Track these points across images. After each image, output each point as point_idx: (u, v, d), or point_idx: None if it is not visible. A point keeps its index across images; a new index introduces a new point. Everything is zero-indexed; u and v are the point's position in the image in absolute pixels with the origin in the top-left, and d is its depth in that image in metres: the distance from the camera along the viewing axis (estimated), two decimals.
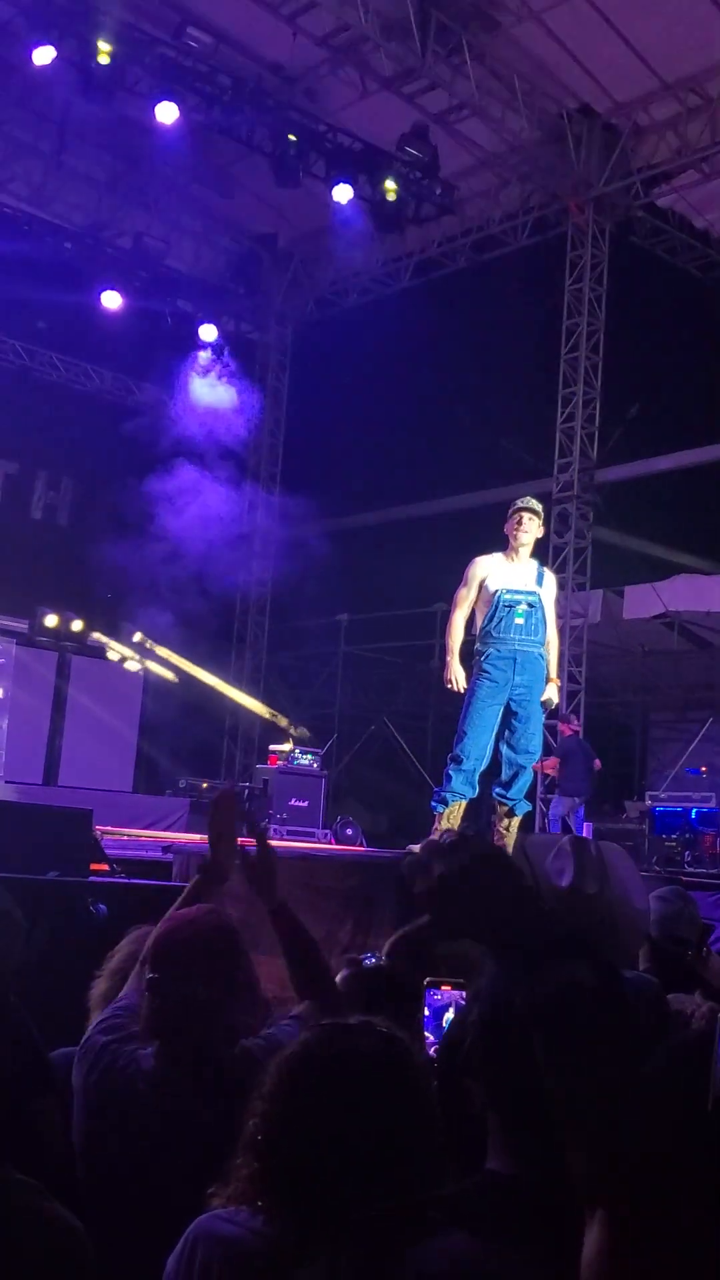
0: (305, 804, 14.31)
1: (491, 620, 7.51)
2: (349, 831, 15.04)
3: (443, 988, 2.60)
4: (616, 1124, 1.32)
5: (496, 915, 1.44)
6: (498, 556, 7.67)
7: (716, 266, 18.41)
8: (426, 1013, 2.60)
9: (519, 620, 7.51)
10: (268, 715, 16.95)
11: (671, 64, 14.56)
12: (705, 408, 18.01)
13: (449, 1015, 2.52)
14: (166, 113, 13.41)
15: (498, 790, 7.58)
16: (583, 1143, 1.32)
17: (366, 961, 3.33)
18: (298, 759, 14.99)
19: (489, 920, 1.45)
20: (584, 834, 12.86)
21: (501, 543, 7.74)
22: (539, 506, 7.75)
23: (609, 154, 15.60)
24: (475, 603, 7.64)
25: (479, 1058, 1.65)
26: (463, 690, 7.55)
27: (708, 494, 18.73)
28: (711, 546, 19.14)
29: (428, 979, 2.69)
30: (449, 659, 7.65)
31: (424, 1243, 1.45)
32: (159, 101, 13.35)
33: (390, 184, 14.63)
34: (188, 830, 12.94)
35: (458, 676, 7.54)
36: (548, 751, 14.58)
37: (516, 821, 7.59)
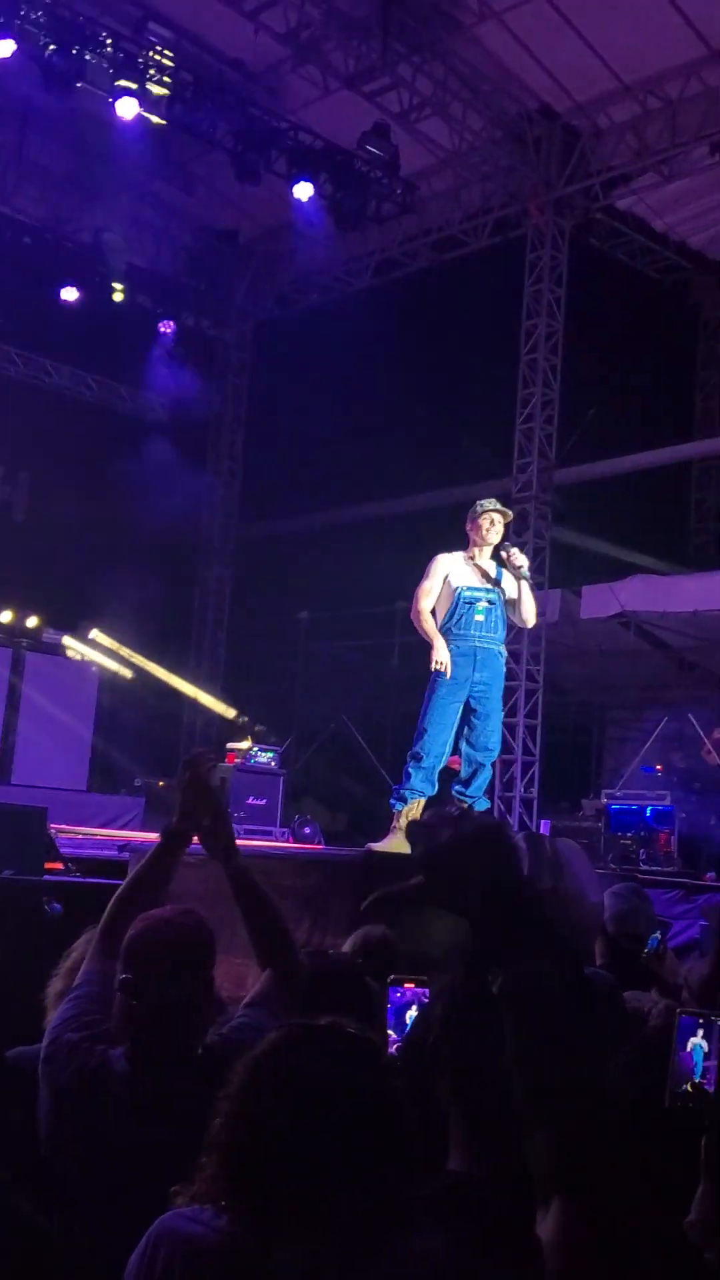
0: (263, 802, 14.28)
1: (452, 617, 7.55)
2: (307, 830, 15.01)
3: (405, 985, 2.60)
4: (584, 1116, 1.33)
5: (482, 890, 1.44)
6: (459, 555, 7.73)
7: (675, 270, 18.55)
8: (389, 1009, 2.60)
9: (479, 617, 7.55)
10: (223, 711, 16.91)
11: (631, 66, 14.64)
12: (663, 410, 18.18)
13: (411, 1013, 2.52)
14: (126, 108, 13.34)
15: (457, 788, 7.60)
16: (548, 1134, 1.33)
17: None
18: (256, 757, 14.96)
19: (473, 894, 1.44)
20: (543, 831, 12.92)
21: (462, 542, 7.78)
22: (508, 509, 7.83)
23: (569, 155, 15.66)
24: (438, 598, 7.66)
25: (445, 1054, 1.66)
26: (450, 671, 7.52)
27: (664, 496, 18.91)
28: (667, 547, 19.30)
29: (391, 976, 2.69)
30: (435, 642, 7.57)
31: (402, 1240, 1.46)
32: (119, 97, 13.27)
33: (351, 181, 14.63)
34: (143, 828, 12.89)
35: (446, 657, 7.50)
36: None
37: None
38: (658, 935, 4.36)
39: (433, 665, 7.53)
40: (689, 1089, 2.45)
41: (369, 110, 14.94)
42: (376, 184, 14.88)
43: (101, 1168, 2.50)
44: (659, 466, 17.81)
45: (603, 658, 17.51)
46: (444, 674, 7.47)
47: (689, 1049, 2.48)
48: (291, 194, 15.09)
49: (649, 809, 13.98)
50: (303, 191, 14.98)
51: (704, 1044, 2.49)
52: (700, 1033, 2.51)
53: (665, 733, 16.97)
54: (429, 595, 7.64)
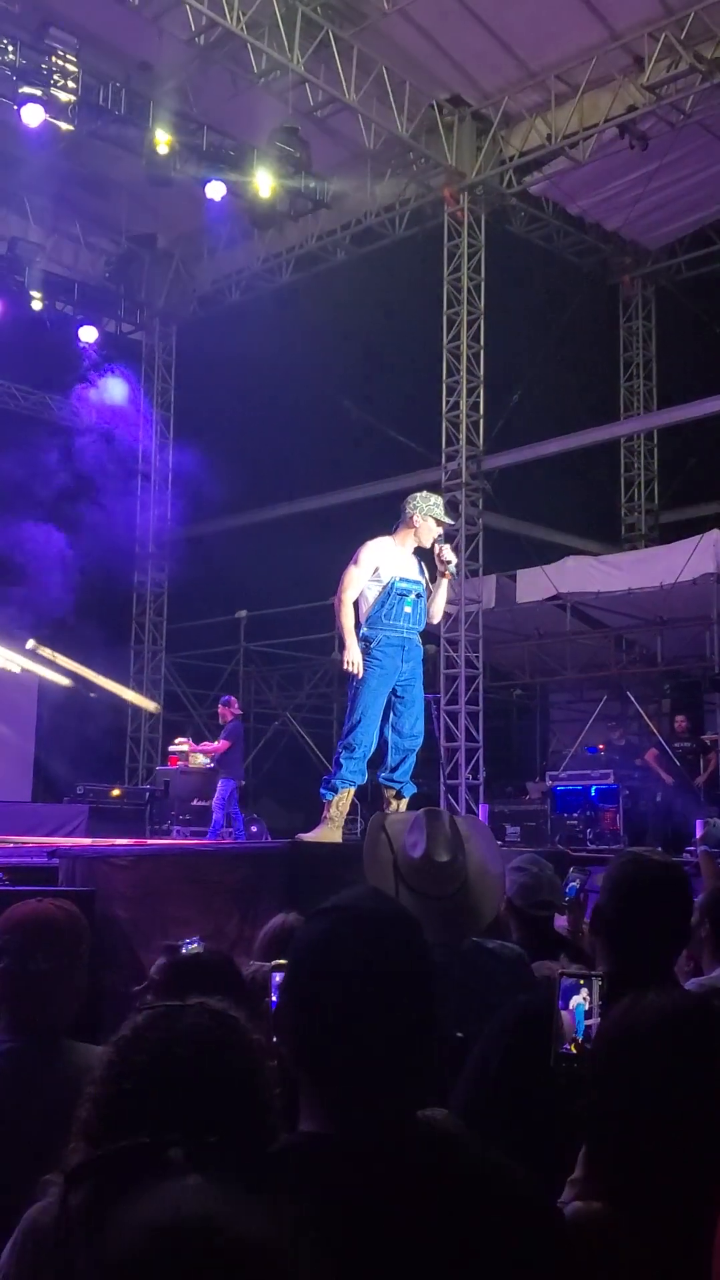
0: (207, 803, 14.28)
1: (383, 607, 7.51)
2: (254, 829, 15.04)
3: None
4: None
5: None
6: (386, 542, 7.67)
7: (593, 252, 18.70)
8: (274, 997, 2.63)
9: (408, 609, 7.56)
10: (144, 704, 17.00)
11: (536, 53, 14.75)
12: (588, 392, 18.32)
13: None
14: (32, 115, 13.25)
15: (384, 775, 7.63)
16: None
17: (186, 947, 3.38)
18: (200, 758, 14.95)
19: None
20: (482, 816, 13.01)
21: (390, 528, 7.76)
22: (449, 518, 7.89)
23: (481, 143, 15.75)
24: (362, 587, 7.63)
25: (285, 1016, 1.69)
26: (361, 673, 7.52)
27: (594, 477, 19.07)
28: (599, 528, 19.48)
29: (275, 962, 2.74)
30: (349, 640, 7.54)
31: (152, 1185, 1.48)
32: (24, 104, 13.18)
33: (264, 179, 14.66)
34: (88, 835, 12.84)
35: (358, 658, 7.49)
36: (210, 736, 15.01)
37: (405, 803, 7.65)
38: (575, 883, 4.38)
39: (344, 665, 7.53)
40: (572, 1049, 2.49)
41: (280, 108, 14.91)
42: (290, 180, 14.86)
43: None
44: (587, 448, 17.95)
45: (541, 641, 17.64)
46: (368, 670, 7.47)
47: (571, 1007, 2.52)
48: (205, 195, 15.11)
49: (594, 788, 14.12)
50: (215, 191, 14.99)
51: (585, 1002, 2.53)
52: (582, 991, 2.55)
53: (606, 711, 17.14)
54: (355, 585, 7.56)
